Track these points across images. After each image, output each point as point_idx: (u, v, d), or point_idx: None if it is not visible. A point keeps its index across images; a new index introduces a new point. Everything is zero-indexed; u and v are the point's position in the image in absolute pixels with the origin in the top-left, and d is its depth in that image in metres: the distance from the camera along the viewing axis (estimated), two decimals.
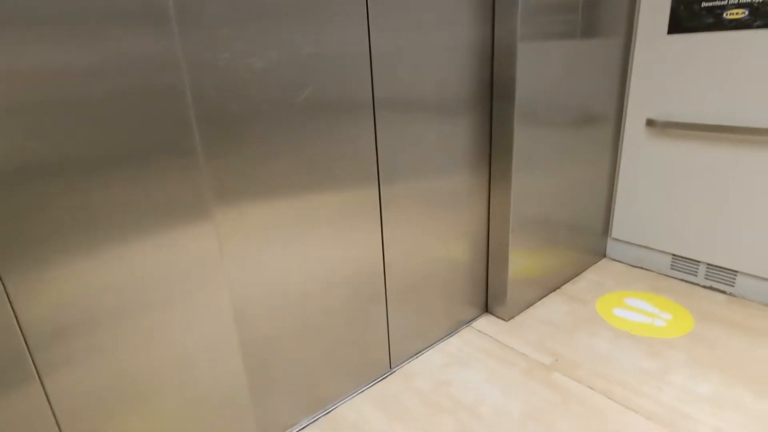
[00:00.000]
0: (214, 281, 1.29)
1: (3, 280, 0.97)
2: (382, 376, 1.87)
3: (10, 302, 0.99)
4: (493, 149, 2.06)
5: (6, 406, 1.02)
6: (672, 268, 2.54)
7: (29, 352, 1.04)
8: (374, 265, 1.72)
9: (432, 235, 1.92)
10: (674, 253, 2.50)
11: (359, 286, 1.69)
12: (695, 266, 2.44)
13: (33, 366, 1.05)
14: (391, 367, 1.92)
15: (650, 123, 2.41)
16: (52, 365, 1.07)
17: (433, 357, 1.98)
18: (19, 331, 1.02)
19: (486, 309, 2.31)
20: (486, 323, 2.21)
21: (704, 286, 2.41)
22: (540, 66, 1.96)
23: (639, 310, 2.24)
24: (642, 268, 2.65)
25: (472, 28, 1.81)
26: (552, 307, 2.31)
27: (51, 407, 1.09)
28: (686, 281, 2.47)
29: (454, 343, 2.07)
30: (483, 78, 1.92)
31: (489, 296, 2.28)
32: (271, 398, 1.55)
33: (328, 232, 1.54)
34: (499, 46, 1.90)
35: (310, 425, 1.65)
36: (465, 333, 2.14)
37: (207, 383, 1.34)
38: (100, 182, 1.05)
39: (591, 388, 1.74)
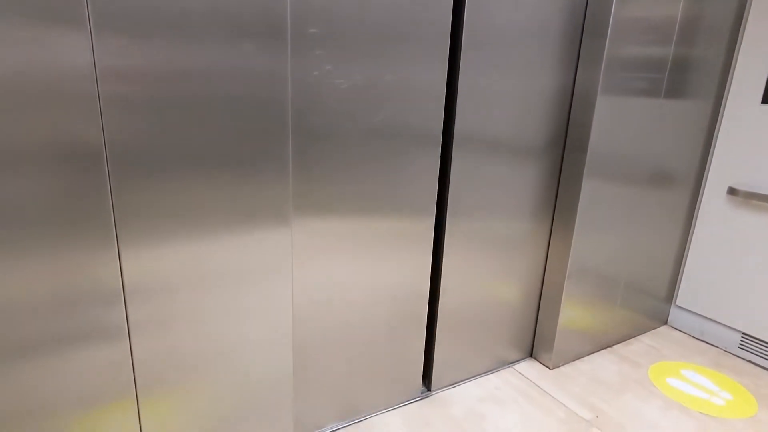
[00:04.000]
0: (283, 281, 1.43)
1: (120, 248, 1.17)
2: (417, 398, 1.92)
3: (121, 269, 1.19)
4: (559, 197, 2.08)
5: (100, 356, 1.21)
6: (740, 347, 2.38)
7: (126, 313, 1.22)
8: (421, 290, 1.80)
9: (488, 271, 1.97)
10: (744, 331, 2.35)
11: (404, 308, 1.78)
12: (767, 349, 2.28)
13: (127, 325, 1.23)
14: (430, 389, 1.97)
15: (732, 191, 2.32)
16: (141, 327, 1.25)
17: (470, 389, 2.00)
18: (123, 295, 1.20)
19: (531, 354, 2.29)
20: (529, 367, 2.19)
21: None
22: (618, 121, 1.98)
23: (696, 384, 2.12)
24: (706, 342, 2.50)
25: (555, 74, 1.88)
26: (601, 364, 2.25)
27: (132, 362, 1.27)
28: (755, 363, 2.31)
29: (493, 380, 2.08)
30: (558, 126, 1.97)
31: (536, 341, 2.27)
32: (310, 398, 1.66)
33: (382, 253, 1.66)
34: (579, 95, 1.95)
35: (341, 430, 1.73)
36: (506, 373, 2.14)
37: (259, 371, 1.47)
38: (209, 181, 1.24)
39: None
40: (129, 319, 1.23)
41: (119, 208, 1.14)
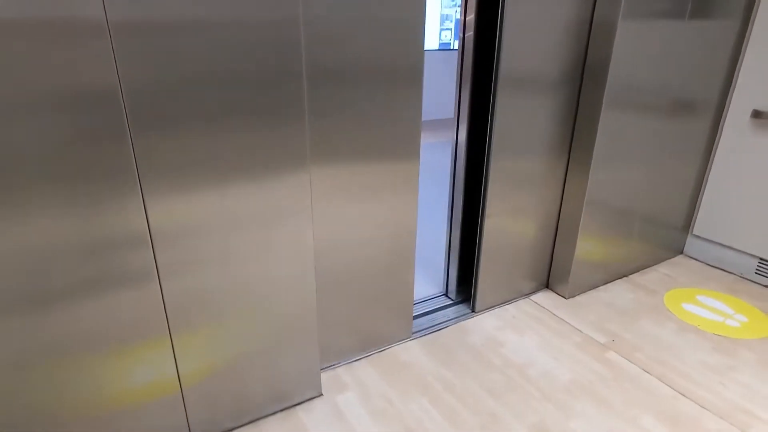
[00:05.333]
0: (304, 221, 1.45)
1: (144, 197, 1.18)
2: (437, 328, 1.99)
3: (147, 217, 1.21)
4: (576, 131, 2.04)
5: (132, 297, 1.26)
6: (757, 273, 2.39)
7: (155, 258, 1.26)
8: (410, 228, 1.78)
9: (509, 204, 1.97)
10: (762, 256, 2.35)
11: (399, 244, 1.79)
12: None
13: (156, 268, 1.27)
14: (474, 311, 2.05)
15: (757, 114, 2.25)
16: (169, 270, 1.29)
17: (487, 319, 2.06)
18: (150, 241, 1.23)
19: (547, 285, 2.33)
20: (545, 297, 2.24)
21: None
22: (639, 47, 1.90)
23: (711, 308, 2.16)
24: (721, 269, 2.51)
25: (573, 4, 1.79)
26: (616, 292, 2.29)
27: (164, 302, 1.32)
28: None
29: (510, 310, 2.13)
30: (576, 57, 1.90)
31: (551, 273, 2.30)
32: (334, 330, 1.73)
33: (381, 194, 1.67)
34: (598, 23, 1.86)
35: (364, 358, 1.81)
36: (522, 303, 2.19)
37: (286, 304, 1.52)
38: (229, 127, 1.23)
39: (646, 371, 1.74)
40: (157, 262, 1.26)
41: (141, 156, 1.15)
